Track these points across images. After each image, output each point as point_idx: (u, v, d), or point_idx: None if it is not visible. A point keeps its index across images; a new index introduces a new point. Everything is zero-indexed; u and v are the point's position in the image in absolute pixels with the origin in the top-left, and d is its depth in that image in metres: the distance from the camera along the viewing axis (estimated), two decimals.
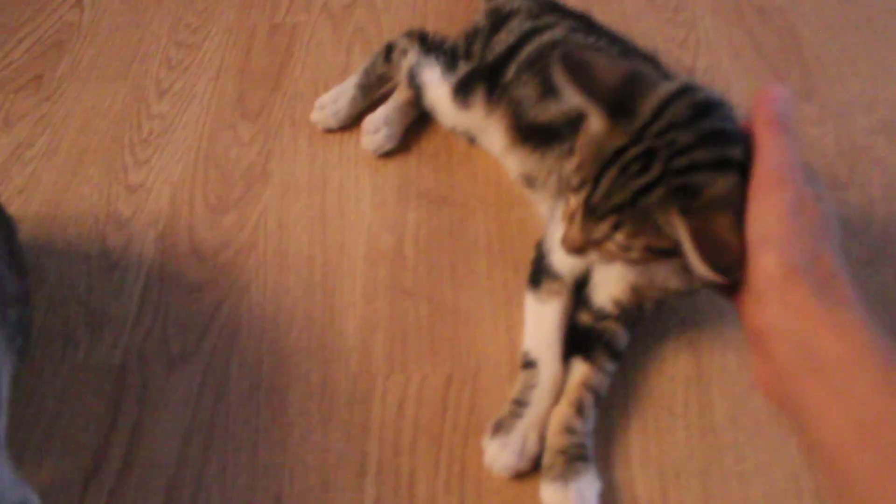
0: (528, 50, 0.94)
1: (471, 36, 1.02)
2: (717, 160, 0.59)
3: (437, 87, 0.99)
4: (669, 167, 0.59)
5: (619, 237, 0.62)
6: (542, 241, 0.86)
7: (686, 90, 0.62)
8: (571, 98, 0.63)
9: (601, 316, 0.83)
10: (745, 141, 0.60)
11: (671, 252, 0.61)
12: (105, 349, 0.91)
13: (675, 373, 0.84)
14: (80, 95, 1.20)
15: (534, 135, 0.90)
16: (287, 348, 0.89)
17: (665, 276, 0.74)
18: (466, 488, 0.78)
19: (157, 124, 1.15)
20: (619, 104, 0.62)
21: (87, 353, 0.91)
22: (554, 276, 0.83)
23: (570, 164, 0.65)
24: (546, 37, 0.94)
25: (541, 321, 0.83)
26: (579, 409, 0.78)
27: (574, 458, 0.75)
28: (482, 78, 0.96)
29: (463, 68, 0.99)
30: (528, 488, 0.77)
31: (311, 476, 0.80)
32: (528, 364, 0.81)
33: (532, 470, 0.77)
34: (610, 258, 0.66)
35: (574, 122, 0.78)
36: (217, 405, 0.85)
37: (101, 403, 0.86)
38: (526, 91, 0.91)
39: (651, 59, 0.92)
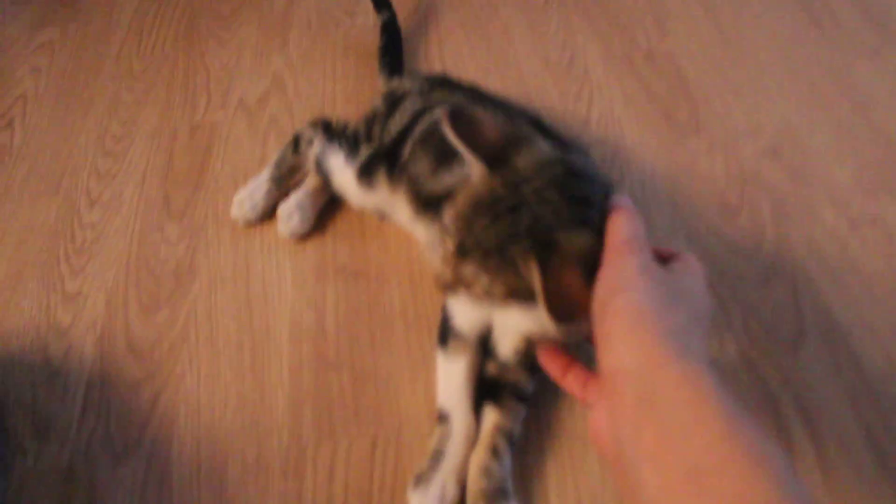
0: (420, 128, 1.00)
1: (370, 120, 1.09)
2: (578, 221, 0.66)
3: (342, 172, 1.05)
4: (536, 222, 0.65)
5: (484, 279, 0.68)
6: (446, 305, 0.92)
7: (563, 158, 0.69)
8: (457, 150, 0.69)
9: (505, 365, 0.89)
10: (601, 210, 0.67)
11: (528, 296, 0.66)
12: (53, 453, 0.95)
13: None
14: (16, 214, 1.26)
15: (432, 205, 0.95)
16: (223, 430, 0.95)
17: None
18: None
19: (90, 233, 1.21)
20: (497, 158, 0.68)
21: (35, 459, 0.95)
22: (458, 336, 0.90)
23: (449, 212, 0.71)
24: (436, 114, 1.00)
25: (450, 377, 0.89)
26: (495, 453, 0.84)
27: (494, 499, 0.81)
28: (382, 159, 1.02)
29: (364, 152, 1.04)
30: None
31: None
32: (442, 418, 0.87)
33: None
34: (477, 297, 0.71)
35: None
36: (161, 492, 0.90)
37: None
38: (421, 166, 0.97)
39: (535, 120, 1.00)
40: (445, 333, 0.91)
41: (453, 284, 0.70)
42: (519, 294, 0.67)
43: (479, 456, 0.84)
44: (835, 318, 0.97)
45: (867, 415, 0.89)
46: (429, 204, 0.96)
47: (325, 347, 1.01)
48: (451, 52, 1.43)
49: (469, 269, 0.68)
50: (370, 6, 1.40)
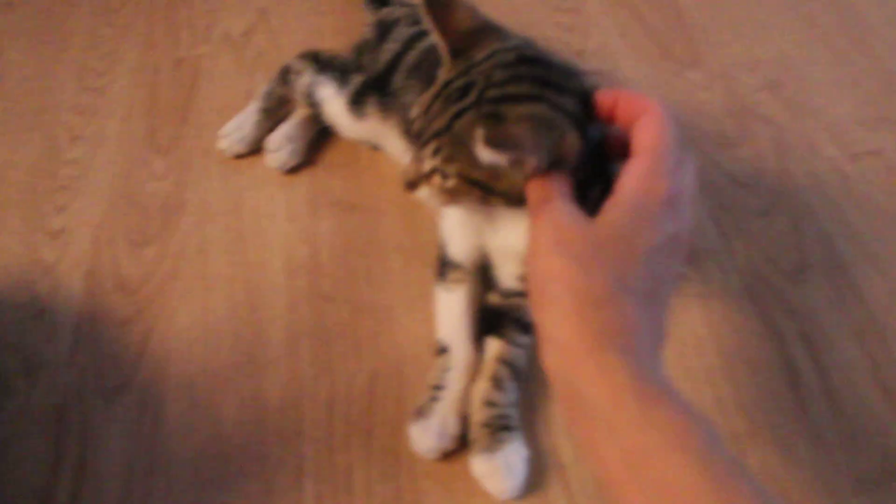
0: (412, 55, 0.98)
1: (360, 49, 1.07)
2: (528, 96, 0.63)
3: (333, 102, 1.03)
4: (483, 96, 0.63)
5: (437, 162, 0.66)
6: (440, 236, 0.90)
7: (522, 46, 0.67)
8: (429, 28, 0.67)
9: (508, 294, 0.87)
10: (583, 99, 0.64)
11: (482, 185, 0.65)
12: (42, 392, 0.93)
13: None
14: None
15: None
16: (218, 366, 0.93)
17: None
18: (401, 475, 0.82)
19: (72, 170, 1.17)
20: (462, 46, 0.66)
21: (25, 398, 0.93)
22: (455, 266, 0.88)
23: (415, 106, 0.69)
24: (427, 42, 0.98)
25: (449, 309, 0.88)
26: (497, 383, 0.83)
27: (498, 429, 0.80)
28: (373, 88, 1.00)
29: (355, 81, 1.02)
30: (458, 467, 0.81)
31: (253, 483, 0.83)
32: (442, 350, 0.86)
33: (458, 448, 0.82)
34: (438, 195, 0.69)
35: None
36: (156, 430, 0.88)
37: (44, 444, 0.89)
38: (413, 96, 0.94)
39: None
40: (443, 265, 0.89)
41: (415, 180, 0.69)
42: (472, 180, 0.65)
43: (482, 386, 0.83)
44: (837, 251, 0.97)
45: (872, 347, 0.89)
46: None
47: (321, 281, 0.99)
48: None
49: (426, 156, 0.66)
50: None
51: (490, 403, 0.82)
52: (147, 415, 0.90)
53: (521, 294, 0.86)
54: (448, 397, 0.82)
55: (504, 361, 0.84)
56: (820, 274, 0.95)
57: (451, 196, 0.68)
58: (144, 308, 0.99)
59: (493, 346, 0.86)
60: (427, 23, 0.67)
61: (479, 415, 0.81)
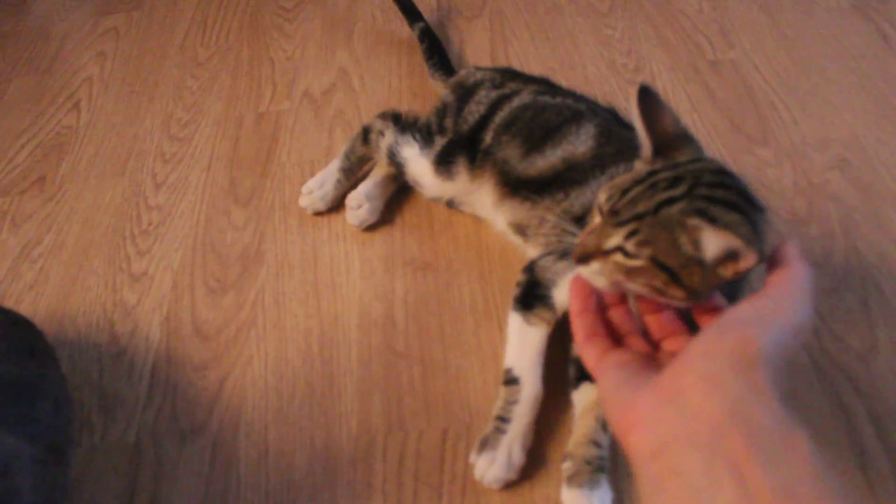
0: (502, 115, 1.02)
1: (441, 112, 1.11)
2: (735, 204, 0.63)
3: (418, 162, 1.06)
4: (693, 192, 0.63)
5: (630, 245, 0.64)
6: (538, 271, 0.91)
7: (722, 165, 0.68)
8: (635, 123, 0.68)
9: None
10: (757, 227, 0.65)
11: (671, 273, 0.64)
12: (119, 430, 0.96)
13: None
14: (82, 193, 1.27)
15: (523, 187, 0.98)
16: (291, 416, 0.95)
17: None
18: None
19: (156, 215, 1.21)
20: (662, 146, 0.67)
21: (102, 435, 0.96)
22: (548, 307, 0.89)
23: (604, 189, 0.69)
24: (516, 102, 1.03)
25: (527, 342, 0.89)
26: (603, 425, 0.84)
27: (597, 469, 0.82)
28: (461, 148, 1.04)
29: (439, 142, 1.06)
30: None
31: None
32: (511, 381, 0.87)
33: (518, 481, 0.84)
34: (611, 271, 0.67)
35: (559, 173, 0.93)
36: (228, 474, 0.90)
37: (119, 481, 0.91)
38: (510, 151, 0.99)
39: (613, 112, 1.04)
40: (532, 298, 0.90)
41: (592, 253, 0.67)
42: (661, 265, 0.64)
43: (589, 425, 0.84)
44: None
45: None
46: (518, 188, 0.98)
47: (395, 338, 1.01)
48: (515, 53, 1.43)
49: (617, 235, 0.65)
50: (434, 1, 1.40)
51: (596, 444, 0.83)
52: (219, 458, 0.92)
53: None
54: (514, 430, 0.84)
55: None
56: (889, 353, 0.94)
57: (627, 276, 0.66)
58: (220, 354, 1.02)
59: (594, 390, 0.87)
60: (636, 119, 0.68)
61: (582, 450, 0.83)
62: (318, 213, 1.16)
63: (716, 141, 1.22)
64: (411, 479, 0.87)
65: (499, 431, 0.85)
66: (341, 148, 1.18)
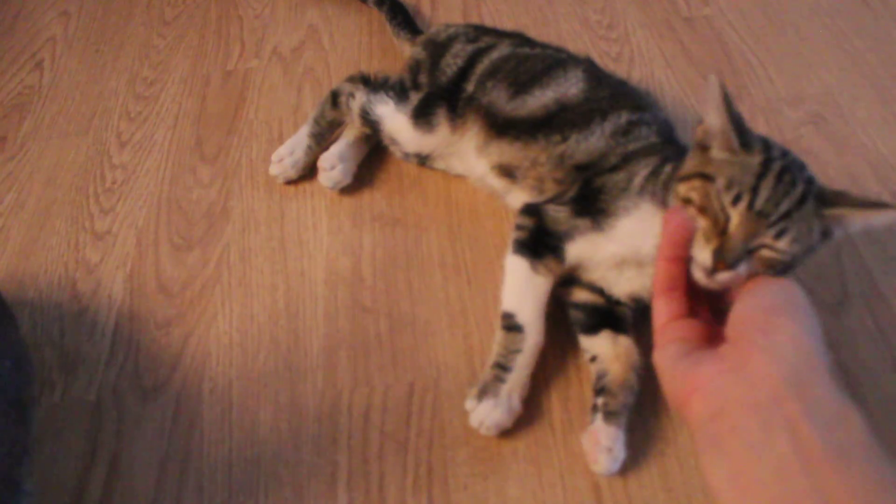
0: (483, 66, 1.02)
1: (413, 68, 1.10)
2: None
3: (395, 118, 1.05)
4: (806, 184, 0.71)
5: (783, 244, 0.69)
6: (549, 221, 0.89)
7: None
8: (713, 115, 0.73)
9: (615, 302, 0.89)
10: None
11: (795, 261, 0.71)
12: (80, 388, 0.94)
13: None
14: (44, 152, 1.24)
15: (513, 127, 0.97)
16: (255, 372, 0.93)
17: None
18: (434, 488, 0.81)
19: (120, 174, 1.19)
20: (742, 138, 0.72)
21: (63, 393, 0.94)
22: (559, 259, 0.87)
23: (704, 187, 0.72)
24: (495, 54, 1.03)
25: (534, 291, 0.87)
26: (636, 372, 0.84)
27: (624, 415, 0.82)
28: (440, 99, 1.03)
29: (415, 97, 1.04)
30: (493, 485, 0.81)
31: (286, 490, 0.83)
32: (513, 327, 0.85)
33: (494, 462, 0.82)
34: (750, 268, 0.70)
35: (552, 115, 0.94)
36: (191, 431, 0.89)
37: (79, 439, 0.89)
38: (495, 94, 0.99)
39: (588, 60, 1.04)
40: (542, 247, 0.88)
41: (741, 257, 0.69)
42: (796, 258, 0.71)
43: (625, 372, 0.84)
44: (877, 284, 0.95)
45: None
46: (507, 128, 0.97)
47: (362, 293, 0.99)
48: (488, 10, 1.42)
49: (766, 235, 0.69)
50: None
51: (631, 389, 0.83)
52: (182, 416, 0.90)
53: (627, 306, 0.89)
54: (514, 380, 0.83)
55: (638, 355, 0.85)
56: (860, 305, 0.94)
57: (762, 266, 0.70)
58: (185, 311, 1.00)
59: (624, 340, 0.86)
60: (721, 108, 0.72)
61: (617, 397, 0.82)
62: (290, 181, 1.13)
63: (690, 97, 1.20)
64: (377, 433, 0.86)
65: (498, 380, 0.83)
66: (310, 112, 1.15)
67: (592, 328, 0.89)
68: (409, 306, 0.97)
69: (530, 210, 0.91)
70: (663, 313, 0.70)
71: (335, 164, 1.08)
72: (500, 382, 0.83)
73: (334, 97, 1.11)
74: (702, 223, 0.71)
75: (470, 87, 1.02)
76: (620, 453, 0.80)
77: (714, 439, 0.55)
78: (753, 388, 0.55)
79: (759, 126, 1.15)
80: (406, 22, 1.29)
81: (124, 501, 0.84)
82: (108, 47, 1.44)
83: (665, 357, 0.65)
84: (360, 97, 1.07)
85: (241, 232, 1.08)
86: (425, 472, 0.83)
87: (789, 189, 0.69)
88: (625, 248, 0.83)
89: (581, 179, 0.90)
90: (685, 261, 0.71)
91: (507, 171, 0.98)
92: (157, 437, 0.89)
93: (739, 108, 1.13)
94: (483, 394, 0.83)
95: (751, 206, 0.68)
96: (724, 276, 0.69)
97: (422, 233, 1.05)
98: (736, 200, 0.69)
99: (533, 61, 1.01)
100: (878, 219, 0.70)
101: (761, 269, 0.70)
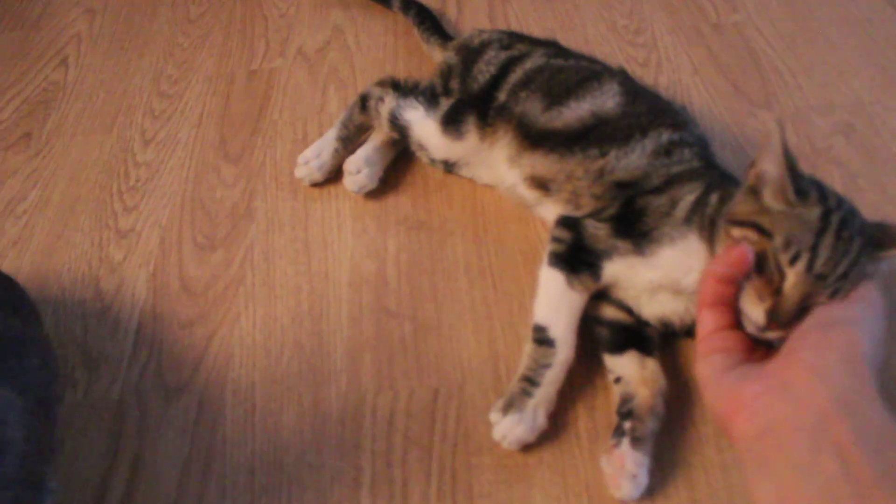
0: (516, 76, 1.01)
1: (445, 74, 1.09)
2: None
3: (424, 124, 1.04)
4: (863, 234, 0.69)
5: (837, 299, 0.67)
6: (589, 238, 0.88)
7: None
8: (770, 164, 0.70)
9: (643, 323, 0.88)
10: None
11: None
12: (103, 386, 0.94)
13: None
14: (68, 149, 1.25)
15: (547, 139, 0.96)
16: (279, 374, 0.92)
17: None
18: (458, 494, 0.80)
19: (144, 172, 1.19)
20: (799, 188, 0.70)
21: (85, 392, 0.93)
22: (595, 277, 0.86)
23: (769, 240, 0.70)
24: (529, 64, 1.03)
25: (568, 305, 0.86)
26: (662, 397, 0.82)
27: (650, 442, 0.80)
28: (470, 107, 1.02)
29: (445, 103, 1.04)
30: (517, 493, 0.80)
31: (308, 493, 0.82)
32: (545, 341, 0.84)
33: (519, 471, 0.81)
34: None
35: (589, 128, 0.93)
36: (214, 432, 0.88)
37: (102, 438, 0.89)
38: (529, 105, 0.98)
39: (622, 72, 1.03)
40: (580, 264, 0.87)
41: (796, 315, 0.67)
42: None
43: (652, 398, 0.82)
44: None
45: None
46: (541, 140, 0.96)
47: (386, 297, 0.98)
48: (514, 14, 1.41)
49: (822, 295, 0.67)
50: None
51: (656, 414, 0.81)
52: (205, 417, 0.90)
53: (654, 327, 0.88)
54: (541, 395, 0.82)
55: (663, 379, 0.84)
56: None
57: None
58: (208, 311, 1.00)
59: (651, 364, 0.85)
60: (779, 157, 0.70)
61: (643, 422, 0.80)
62: (316, 184, 1.12)
63: (718, 104, 1.19)
64: (401, 438, 0.85)
65: (525, 393, 0.82)
66: (335, 113, 1.16)
67: (619, 347, 0.87)
68: (434, 311, 0.96)
69: (568, 223, 0.90)
70: (709, 323, 0.69)
71: (361, 168, 1.07)
72: (527, 397, 0.82)
73: (363, 101, 1.10)
74: (755, 281, 0.70)
75: (502, 96, 1.01)
76: (644, 479, 0.78)
77: (761, 459, 0.55)
78: (801, 409, 0.55)
79: (789, 135, 1.14)
80: (435, 27, 1.28)
81: (146, 501, 0.83)
82: (133, 45, 1.44)
83: (708, 369, 0.65)
84: (389, 102, 1.06)
85: (265, 233, 1.07)
86: (449, 478, 0.82)
87: (848, 247, 0.67)
88: (664, 276, 0.82)
89: (622, 197, 0.88)
90: (736, 284, 0.71)
91: (540, 183, 0.97)
92: (179, 438, 0.88)
93: (767, 115, 1.16)
94: (508, 407, 0.82)
95: (809, 267, 0.67)
96: (775, 335, 0.68)
97: (447, 237, 1.04)
98: (794, 260, 0.67)
99: (567, 73, 1.00)
100: None
101: None
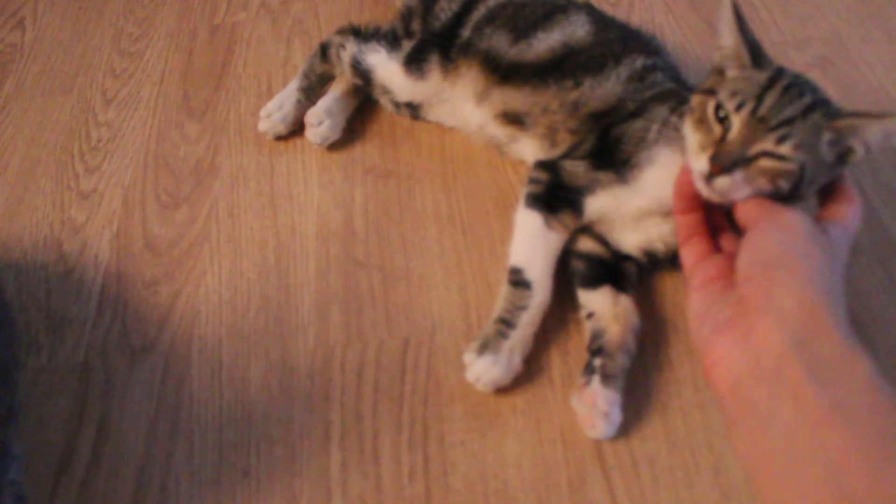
0: (479, 13, 0.99)
1: (405, 16, 1.06)
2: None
3: (386, 66, 1.02)
4: (815, 98, 0.70)
5: (786, 149, 0.67)
6: (566, 175, 0.86)
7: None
8: (727, 35, 0.74)
9: (622, 257, 0.87)
10: None
11: (804, 172, 0.68)
12: (67, 349, 0.92)
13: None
14: (27, 112, 1.21)
15: (518, 72, 0.94)
16: (245, 329, 0.90)
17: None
18: (430, 444, 0.79)
19: (105, 132, 1.16)
20: (755, 54, 0.73)
21: (49, 355, 0.91)
22: (577, 213, 0.85)
23: (718, 94, 0.71)
24: (491, 1, 1.00)
25: (545, 246, 0.84)
26: (634, 333, 0.81)
27: (622, 379, 0.79)
28: (433, 45, 1.00)
29: (407, 45, 1.01)
30: (490, 441, 0.78)
31: (277, 448, 0.81)
32: (521, 283, 0.82)
33: (491, 420, 0.80)
34: (752, 178, 0.69)
35: (562, 59, 0.91)
36: (180, 390, 0.86)
37: (67, 401, 0.87)
38: (495, 40, 0.96)
39: (587, 5, 1.02)
40: (558, 201, 0.85)
41: (735, 163, 0.68)
42: (804, 168, 0.69)
43: (623, 334, 0.81)
44: (890, 235, 0.92)
45: None
46: (512, 73, 0.94)
47: (354, 247, 0.96)
48: None
49: (767, 140, 0.68)
50: None
51: (627, 351, 0.80)
52: (171, 376, 0.88)
53: (636, 259, 0.87)
54: (518, 336, 0.80)
55: (635, 315, 0.83)
56: (871, 255, 0.91)
57: (770, 179, 0.69)
58: (173, 269, 0.98)
59: (624, 299, 0.84)
60: (732, 26, 0.74)
61: (614, 359, 0.79)
62: (280, 137, 1.09)
63: (692, 42, 1.17)
64: (371, 390, 0.84)
65: (501, 335, 0.80)
66: (300, 65, 1.12)
67: (593, 281, 0.86)
68: (403, 260, 0.94)
69: (545, 165, 0.88)
70: (688, 258, 0.72)
71: (323, 119, 1.05)
72: (503, 338, 0.80)
73: (324, 50, 1.08)
74: (698, 135, 0.72)
75: (466, 32, 0.98)
76: (617, 417, 0.77)
77: (733, 415, 0.57)
78: (760, 358, 0.55)
79: None
80: None
81: (113, 463, 0.82)
82: (92, 3, 1.41)
83: (691, 315, 0.66)
84: (350, 48, 1.04)
85: (229, 188, 1.05)
86: (421, 428, 0.80)
87: (794, 99, 0.68)
88: (651, 199, 0.81)
89: (597, 129, 0.87)
90: (697, 209, 0.73)
91: (514, 119, 0.95)
92: (145, 398, 0.86)
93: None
94: (483, 348, 0.80)
95: (754, 112, 0.68)
96: (722, 182, 0.68)
97: (415, 184, 1.02)
98: (739, 107, 0.69)
99: (532, 7, 0.98)
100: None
101: (768, 185, 0.68)
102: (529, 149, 0.94)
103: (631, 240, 0.85)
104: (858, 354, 0.53)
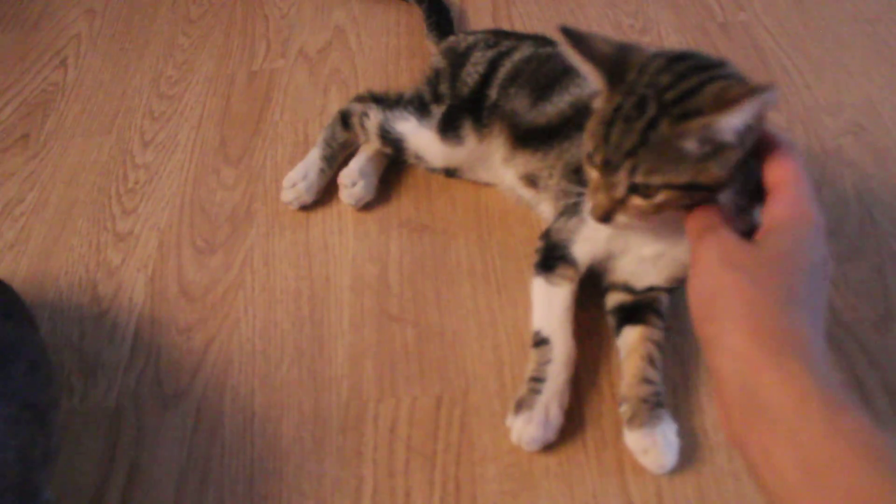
0: (505, 70, 0.99)
1: (433, 80, 1.06)
2: (702, 83, 0.64)
3: (419, 134, 1.01)
4: (663, 101, 0.64)
5: (639, 178, 0.65)
6: (553, 235, 0.88)
7: (666, 53, 0.68)
8: (575, 63, 0.69)
9: (642, 291, 0.87)
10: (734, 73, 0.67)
11: (689, 186, 0.65)
12: (100, 393, 0.92)
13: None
14: (67, 151, 1.23)
15: (534, 137, 0.95)
16: (278, 380, 0.91)
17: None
18: None
19: (143, 174, 1.17)
20: (614, 70, 0.67)
21: (82, 398, 0.92)
22: (570, 263, 0.86)
23: (582, 147, 0.70)
24: (517, 56, 1.01)
25: (552, 301, 0.86)
26: (651, 361, 0.83)
27: (655, 406, 0.80)
28: (464, 110, 1.00)
29: (437, 111, 1.01)
30: (523, 503, 0.78)
31: (308, 503, 0.80)
32: (541, 342, 0.84)
33: (525, 479, 0.79)
34: (637, 215, 0.69)
35: (568, 119, 0.90)
36: (212, 440, 0.86)
37: (98, 446, 0.87)
38: (518, 101, 0.96)
39: None
40: (552, 259, 0.87)
41: (611, 209, 0.69)
42: (680, 186, 0.65)
43: (636, 364, 0.82)
44: None
45: None
46: (528, 138, 0.95)
47: (388, 301, 0.96)
48: (519, 14, 1.39)
49: (620, 179, 0.67)
50: None
51: (648, 380, 0.81)
52: (203, 424, 0.88)
53: (654, 289, 0.87)
54: (550, 389, 0.81)
55: (651, 340, 0.84)
56: None
57: (658, 210, 0.68)
58: (207, 316, 0.98)
59: (635, 330, 0.85)
60: (575, 59, 0.69)
61: (636, 391, 0.81)
62: (305, 207, 1.08)
63: None
64: (403, 447, 0.83)
65: (534, 392, 0.81)
66: (337, 106, 1.13)
67: (617, 328, 0.88)
68: (437, 315, 0.95)
69: (543, 234, 0.91)
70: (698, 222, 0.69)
71: (357, 180, 1.05)
72: (536, 394, 0.81)
73: (344, 118, 1.08)
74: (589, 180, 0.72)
75: (493, 93, 0.99)
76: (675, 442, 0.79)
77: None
78: (725, 322, 0.57)
79: (798, 135, 1.12)
80: (441, 22, 1.26)
81: None
82: (133, 45, 1.43)
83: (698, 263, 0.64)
84: (375, 116, 1.04)
85: (265, 236, 1.06)
86: (453, 488, 0.80)
87: (635, 120, 0.64)
88: (603, 232, 0.81)
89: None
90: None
91: (532, 181, 0.96)
92: (177, 446, 0.86)
93: (776, 117, 1.14)
94: (519, 407, 0.81)
95: (603, 159, 0.67)
96: (619, 223, 0.70)
97: (450, 240, 1.02)
98: (590, 156, 0.69)
99: (554, 61, 0.97)
100: (742, 116, 0.61)
101: (669, 207, 0.67)
102: (548, 211, 0.95)
103: (645, 279, 0.86)
104: (803, 329, 0.54)
